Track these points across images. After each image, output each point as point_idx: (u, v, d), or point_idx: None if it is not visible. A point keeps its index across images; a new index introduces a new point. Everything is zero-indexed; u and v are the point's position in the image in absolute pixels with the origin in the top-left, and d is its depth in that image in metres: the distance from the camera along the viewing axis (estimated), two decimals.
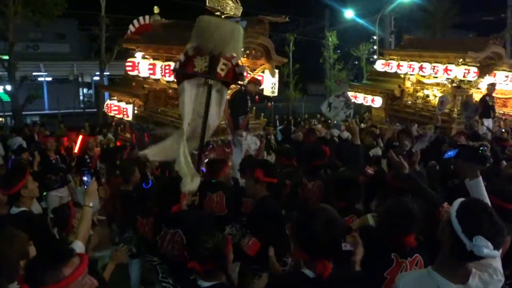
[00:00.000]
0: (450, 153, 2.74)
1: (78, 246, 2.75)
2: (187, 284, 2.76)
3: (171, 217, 3.29)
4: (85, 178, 3.61)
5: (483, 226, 1.78)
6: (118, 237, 4.60)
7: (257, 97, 7.64)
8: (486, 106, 9.53)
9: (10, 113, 16.92)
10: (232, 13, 4.27)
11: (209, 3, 4.24)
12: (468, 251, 1.77)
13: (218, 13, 4.27)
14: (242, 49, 4.47)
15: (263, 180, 3.40)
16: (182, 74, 4.05)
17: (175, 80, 4.36)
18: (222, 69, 4.02)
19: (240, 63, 4.12)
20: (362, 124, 12.73)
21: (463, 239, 1.78)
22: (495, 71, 10.69)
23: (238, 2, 4.32)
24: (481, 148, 2.54)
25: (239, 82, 4.23)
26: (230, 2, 4.26)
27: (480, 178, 2.54)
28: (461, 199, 1.94)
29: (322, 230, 1.96)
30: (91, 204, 3.04)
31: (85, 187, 3.30)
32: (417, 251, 2.51)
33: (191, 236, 2.97)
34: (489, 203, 2.31)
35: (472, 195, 2.55)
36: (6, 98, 17.07)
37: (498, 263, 2.01)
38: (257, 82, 6.84)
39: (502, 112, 12.94)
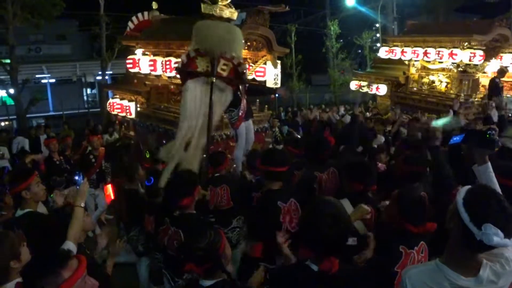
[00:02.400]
0: (457, 138, 2.63)
1: (70, 246, 2.71)
2: (189, 284, 2.72)
3: (177, 216, 3.24)
4: (76, 178, 3.63)
5: (492, 213, 1.67)
6: (125, 235, 4.56)
7: (273, 95, 7.72)
8: (497, 87, 9.32)
9: (15, 117, 16.96)
10: (227, 16, 4.36)
11: (204, 10, 4.33)
12: (477, 240, 1.67)
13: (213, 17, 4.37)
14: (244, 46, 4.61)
15: (261, 169, 3.34)
16: (185, 72, 4.19)
17: (180, 80, 4.49)
18: (223, 69, 4.13)
19: (242, 63, 4.22)
20: (368, 113, 12.62)
21: (472, 228, 1.68)
22: (501, 54, 10.49)
23: (232, 6, 4.44)
24: (489, 132, 2.42)
25: (242, 80, 4.36)
26: (224, 8, 4.33)
27: (489, 164, 2.44)
28: (468, 186, 1.83)
29: (328, 228, 1.88)
30: (82, 204, 3.01)
31: (77, 187, 3.26)
32: (421, 238, 2.49)
33: (188, 240, 2.92)
34: (498, 189, 2.20)
35: (481, 181, 2.46)
36: (11, 101, 17.12)
37: (510, 253, 1.89)
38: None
39: (509, 95, 12.77)
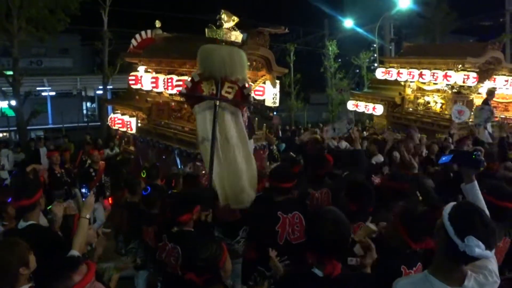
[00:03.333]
0: (445, 158, 2.80)
1: (74, 254, 2.79)
2: None
3: (174, 233, 3.35)
4: (83, 190, 3.71)
5: (475, 226, 1.83)
6: (124, 248, 4.65)
7: (259, 106, 7.78)
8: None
9: (15, 128, 17.06)
10: (232, 39, 4.46)
11: (208, 34, 4.40)
12: (461, 252, 1.82)
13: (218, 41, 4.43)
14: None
15: (271, 185, 3.62)
16: (190, 97, 4.30)
17: (189, 105, 4.60)
18: (228, 92, 4.18)
19: (247, 85, 4.26)
20: (365, 132, 12.79)
21: (456, 240, 1.83)
22: (494, 76, 10.73)
23: (237, 29, 4.53)
24: (475, 153, 2.59)
25: (248, 102, 4.41)
26: (228, 31, 4.42)
27: (475, 182, 2.59)
28: (454, 202, 2.00)
29: (330, 230, 2.08)
30: (87, 216, 3.10)
31: (83, 199, 3.34)
32: (418, 258, 2.58)
33: (186, 255, 3.02)
34: (485, 207, 2.36)
35: (468, 199, 2.61)
36: (11, 113, 17.26)
37: (493, 265, 2.06)
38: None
39: (503, 116, 12.99)
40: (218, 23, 4.38)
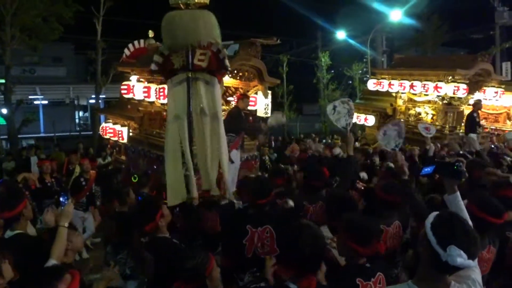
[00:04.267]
0: (427, 169, 2.82)
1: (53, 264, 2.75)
2: None
3: (148, 242, 3.33)
4: (61, 199, 3.63)
5: (457, 236, 1.84)
6: (113, 259, 4.61)
7: (251, 118, 7.76)
8: (473, 122, 9.73)
9: (6, 136, 16.95)
10: (197, 1, 3.95)
11: (171, 1, 3.97)
12: (443, 261, 1.82)
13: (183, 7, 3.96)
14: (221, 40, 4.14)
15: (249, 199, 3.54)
16: (164, 74, 3.99)
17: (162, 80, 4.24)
18: (201, 60, 3.85)
19: (222, 48, 3.94)
20: (357, 143, 12.85)
21: (438, 250, 1.84)
22: (484, 88, 10.89)
23: None
24: (456, 164, 2.62)
25: (225, 67, 4.05)
26: None
27: (458, 193, 2.60)
28: (436, 212, 2.01)
29: (308, 245, 2.05)
30: (66, 224, 3.05)
31: (61, 207, 3.30)
32: (378, 269, 2.53)
33: (161, 262, 3.00)
34: (467, 217, 2.37)
35: (451, 209, 2.60)
36: (2, 121, 17.15)
37: (477, 275, 2.06)
38: (246, 97, 6.97)
39: (494, 127, 13.13)
40: None
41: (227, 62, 4.08)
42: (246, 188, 4.02)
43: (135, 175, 5.91)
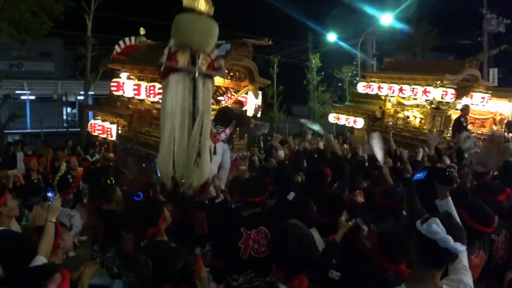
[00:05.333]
0: (419, 175, 2.86)
1: (41, 261, 2.72)
2: None
3: (146, 246, 3.28)
4: (48, 194, 3.58)
5: (441, 219, 1.90)
6: (100, 257, 4.57)
7: (252, 124, 7.79)
8: (459, 126, 9.86)
9: None
10: (207, 11, 4.27)
11: (186, 3, 4.16)
12: (429, 245, 1.86)
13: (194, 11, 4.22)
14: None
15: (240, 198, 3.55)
16: (168, 68, 4.12)
17: (161, 75, 4.35)
18: (202, 64, 4.11)
19: (218, 58, 4.22)
20: (345, 145, 12.93)
21: (419, 228, 1.90)
22: (472, 93, 11.04)
23: (210, 1, 4.38)
24: (448, 170, 2.67)
25: (222, 74, 4.40)
26: (204, 2, 4.21)
27: (449, 198, 2.66)
28: (426, 215, 2.04)
29: (295, 246, 2.05)
30: (53, 220, 3.02)
31: (49, 203, 3.25)
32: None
33: (159, 265, 2.98)
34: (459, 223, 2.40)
35: None
36: None
37: (469, 279, 2.09)
38: (241, 104, 7.02)
39: (480, 132, 13.32)
40: None
41: (221, 71, 4.37)
42: (237, 186, 4.04)
43: (111, 178, 5.82)
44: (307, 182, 4.63)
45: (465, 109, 10.17)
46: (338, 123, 13.00)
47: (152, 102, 7.62)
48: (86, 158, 9.36)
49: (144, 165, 7.61)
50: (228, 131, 6.63)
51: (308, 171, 4.94)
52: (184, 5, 4.22)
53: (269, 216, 3.49)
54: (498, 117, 13.50)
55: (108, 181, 5.70)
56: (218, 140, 6.47)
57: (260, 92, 7.89)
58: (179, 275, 2.35)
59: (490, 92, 11.70)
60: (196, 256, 2.54)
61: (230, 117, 6.69)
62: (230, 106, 7.06)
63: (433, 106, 10.49)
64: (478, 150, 8.30)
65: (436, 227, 1.84)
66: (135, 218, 3.46)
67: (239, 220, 3.40)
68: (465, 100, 10.82)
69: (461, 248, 1.88)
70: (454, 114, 10.97)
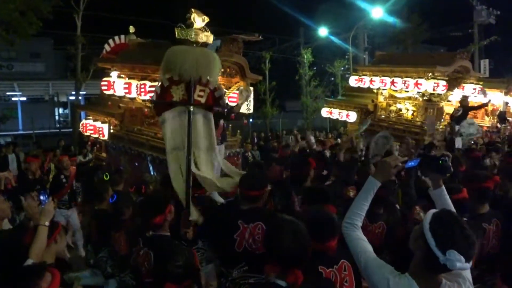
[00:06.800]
0: (412, 163, 2.82)
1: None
2: None
3: (149, 238, 3.24)
4: (41, 197, 3.53)
5: (456, 240, 1.84)
6: (93, 258, 4.55)
7: (233, 114, 7.74)
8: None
9: None
10: (203, 40, 4.25)
11: (178, 35, 4.14)
12: (441, 264, 1.82)
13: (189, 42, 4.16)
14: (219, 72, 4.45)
15: (239, 192, 3.53)
16: (161, 104, 4.04)
17: (155, 112, 4.38)
18: (200, 96, 3.99)
19: (218, 88, 4.09)
20: (339, 139, 12.97)
21: (437, 253, 1.84)
22: (463, 84, 11.08)
23: (208, 30, 4.33)
24: (442, 158, 2.62)
25: (221, 105, 4.19)
26: (200, 32, 4.18)
27: (443, 188, 2.61)
28: (433, 211, 2.01)
29: (291, 240, 2.05)
30: (46, 223, 2.96)
31: (42, 206, 3.21)
32: (342, 256, 2.53)
33: (160, 261, 2.96)
34: (454, 211, 2.39)
35: (437, 205, 2.63)
36: None
37: (467, 273, 2.07)
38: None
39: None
40: (188, 23, 4.18)
41: (224, 101, 4.24)
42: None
43: (107, 173, 5.79)
44: (290, 173, 4.62)
45: (465, 100, 10.15)
46: (331, 117, 13.00)
47: (143, 100, 7.57)
48: (73, 154, 9.30)
49: (136, 164, 7.57)
50: (219, 129, 6.62)
51: (292, 162, 4.94)
52: (177, 37, 4.18)
53: (268, 212, 3.48)
54: (490, 108, 13.61)
55: (104, 177, 5.69)
56: None
57: (251, 88, 7.87)
58: (182, 271, 2.33)
59: (481, 83, 11.75)
60: (193, 252, 2.53)
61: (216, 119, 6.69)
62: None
63: (425, 98, 10.51)
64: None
65: (459, 263, 1.80)
66: (144, 205, 3.40)
67: (237, 213, 3.39)
68: (457, 92, 10.86)
69: (469, 265, 1.87)
70: (446, 106, 11.01)
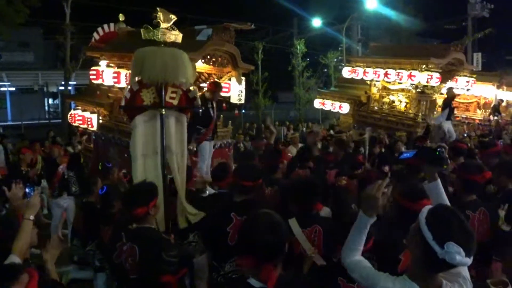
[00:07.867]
0: (407, 154, 2.74)
1: (14, 261, 2.55)
2: None
3: (132, 231, 3.14)
4: (27, 190, 3.43)
5: (454, 232, 1.74)
6: (78, 254, 4.46)
7: (224, 104, 7.65)
8: (450, 109, 9.79)
9: None
10: (171, 40, 4.05)
11: (144, 36, 3.99)
12: (440, 259, 1.73)
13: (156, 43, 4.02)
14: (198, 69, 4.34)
15: (233, 181, 3.50)
16: (131, 109, 3.93)
17: (128, 117, 4.24)
18: (172, 98, 3.90)
19: (192, 88, 4.00)
20: (332, 131, 12.90)
21: (434, 247, 1.74)
22: (456, 77, 11.04)
23: (176, 29, 4.12)
24: (438, 150, 2.52)
25: (195, 106, 4.11)
26: (167, 31, 4.02)
27: (439, 181, 2.51)
28: (428, 206, 1.91)
29: (266, 233, 1.92)
30: (31, 217, 2.87)
31: (27, 199, 3.10)
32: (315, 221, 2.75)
33: (146, 254, 2.86)
34: (449, 205, 2.31)
35: (432, 198, 2.54)
36: None
37: (466, 272, 1.98)
38: (213, 88, 6.80)
39: (464, 116, 13.41)
40: (154, 23, 4.03)
41: (198, 102, 4.12)
42: (225, 172, 3.96)
43: (101, 163, 5.70)
44: (263, 164, 4.64)
45: (451, 92, 10.06)
46: (324, 108, 12.92)
47: None
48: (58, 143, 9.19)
49: (126, 155, 7.42)
50: (210, 128, 6.62)
51: (265, 152, 4.91)
52: (143, 38, 4.02)
53: (262, 204, 3.35)
54: (482, 101, 13.64)
55: (99, 167, 5.59)
56: (202, 140, 6.49)
57: (243, 78, 7.73)
58: (178, 260, 2.24)
59: (474, 76, 11.72)
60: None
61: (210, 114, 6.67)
62: (204, 95, 6.82)
63: (418, 90, 10.46)
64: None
65: (458, 256, 1.70)
66: (127, 195, 3.29)
67: (230, 205, 3.34)
68: (450, 84, 10.80)
69: (470, 261, 1.77)
70: (440, 98, 10.97)
